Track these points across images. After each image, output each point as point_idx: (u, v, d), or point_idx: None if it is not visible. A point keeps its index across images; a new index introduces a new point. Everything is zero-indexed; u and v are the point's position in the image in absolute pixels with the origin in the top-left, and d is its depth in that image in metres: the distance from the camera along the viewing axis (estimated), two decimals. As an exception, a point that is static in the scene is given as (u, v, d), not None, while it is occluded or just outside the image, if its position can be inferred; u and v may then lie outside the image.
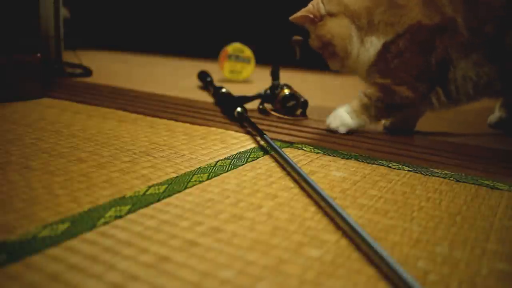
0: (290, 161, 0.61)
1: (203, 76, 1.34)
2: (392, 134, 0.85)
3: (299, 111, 0.99)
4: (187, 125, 0.87)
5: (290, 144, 0.77)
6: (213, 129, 0.85)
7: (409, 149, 0.76)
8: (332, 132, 0.83)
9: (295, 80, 1.22)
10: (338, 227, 0.46)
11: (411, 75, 0.79)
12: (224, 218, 0.47)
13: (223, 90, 1.05)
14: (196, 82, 1.40)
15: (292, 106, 0.98)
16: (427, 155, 0.73)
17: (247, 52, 1.49)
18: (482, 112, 1.01)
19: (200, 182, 0.57)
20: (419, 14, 0.78)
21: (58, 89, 1.17)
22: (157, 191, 0.53)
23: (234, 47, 1.48)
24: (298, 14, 0.84)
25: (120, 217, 0.46)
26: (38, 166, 0.60)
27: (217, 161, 0.65)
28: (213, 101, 1.09)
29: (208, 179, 0.58)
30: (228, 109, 0.93)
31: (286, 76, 1.20)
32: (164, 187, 0.54)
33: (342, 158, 0.70)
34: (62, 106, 0.98)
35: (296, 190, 0.56)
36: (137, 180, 0.56)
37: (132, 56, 2.26)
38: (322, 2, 0.83)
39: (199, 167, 0.62)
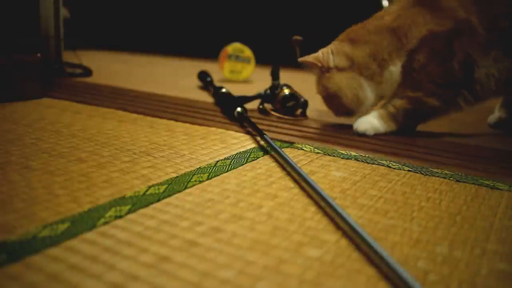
0: (290, 161, 0.61)
1: (203, 76, 1.34)
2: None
3: (299, 111, 0.99)
4: (187, 125, 0.87)
5: (290, 144, 0.77)
6: (213, 129, 0.85)
7: (409, 149, 0.76)
8: (358, 135, 0.84)
9: (295, 80, 1.22)
10: (338, 227, 0.46)
11: (437, 84, 0.80)
12: (224, 218, 0.47)
13: (223, 90, 1.05)
14: (196, 82, 1.40)
15: (292, 106, 0.98)
16: (427, 155, 0.73)
17: (247, 52, 1.49)
18: (482, 112, 1.01)
19: (200, 182, 0.57)
20: (429, 24, 0.79)
21: (58, 89, 1.17)
22: (157, 191, 0.53)
23: (234, 47, 1.48)
24: (308, 58, 0.86)
25: (120, 217, 0.46)
26: (38, 166, 0.60)
27: (217, 161, 0.65)
28: (213, 101, 1.09)
29: (208, 179, 0.58)
30: (228, 109, 0.93)
31: (286, 76, 1.20)
32: (164, 187, 0.54)
33: (342, 158, 0.70)
34: (62, 106, 0.98)
35: (296, 190, 0.56)
36: (137, 180, 0.56)
37: (132, 56, 2.26)
38: (332, 54, 0.84)
39: (199, 167, 0.62)
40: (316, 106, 1.08)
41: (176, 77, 1.59)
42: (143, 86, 1.29)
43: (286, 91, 0.98)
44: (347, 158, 0.70)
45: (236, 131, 0.84)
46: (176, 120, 0.90)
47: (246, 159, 0.67)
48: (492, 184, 0.61)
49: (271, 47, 1.66)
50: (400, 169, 0.66)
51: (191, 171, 0.60)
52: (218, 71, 1.50)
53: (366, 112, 0.86)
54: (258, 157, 0.68)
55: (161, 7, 2.31)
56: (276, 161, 0.67)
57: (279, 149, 0.66)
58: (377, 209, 0.51)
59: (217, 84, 1.22)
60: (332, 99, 0.86)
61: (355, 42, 0.84)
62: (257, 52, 1.50)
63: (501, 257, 0.41)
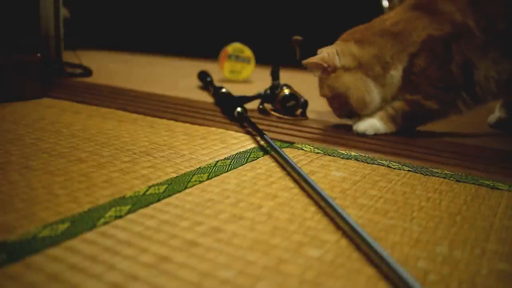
0: (290, 161, 0.61)
1: (203, 76, 1.34)
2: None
3: (299, 111, 0.99)
4: (187, 125, 0.87)
5: (290, 144, 0.77)
6: (213, 129, 0.85)
7: (409, 149, 0.76)
8: (358, 135, 0.84)
9: (295, 80, 1.22)
10: (338, 227, 0.46)
11: (436, 87, 0.81)
12: (224, 218, 0.47)
13: (223, 90, 1.05)
14: (196, 82, 1.40)
15: (292, 106, 0.98)
16: (427, 155, 0.73)
17: (247, 52, 1.49)
18: (482, 112, 1.01)
19: (200, 182, 0.57)
20: (428, 28, 0.80)
21: (58, 89, 1.17)
22: (157, 191, 0.53)
23: (234, 47, 1.48)
24: (312, 60, 0.84)
25: (120, 217, 0.46)
26: (38, 166, 0.60)
27: (217, 161, 0.65)
28: (213, 101, 1.09)
29: (208, 179, 0.58)
30: (228, 109, 0.93)
31: (286, 76, 1.20)
32: (164, 187, 0.54)
33: (342, 158, 0.70)
34: (62, 106, 0.98)
35: (296, 190, 0.56)
36: (137, 180, 0.56)
37: (132, 56, 2.26)
38: (338, 54, 0.83)
39: (199, 167, 0.62)
40: (316, 106, 1.08)
41: (176, 77, 1.59)
42: (143, 86, 1.29)
43: (286, 91, 0.98)
44: (347, 158, 0.70)
45: (236, 131, 0.84)
46: (176, 120, 0.90)
47: (246, 159, 0.67)
48: (492, 184, 0.61)
49: (271, 47, 1.66)
50: (400, 169, 0.66)
51: (191, 171, 0.60)
52: (218, 71, 1.50)
53: (370, 114, 0.85)
54: (258, 157, 0.68)
55: (161, 7, 2.31)
56: (276, 161, 0.67)
57: (279, 149, 0.66)
58: (377, 209, 0.51)
59: (217, 84, 1.22)
60: (338, 100, 0.85)
61: (361, 43, 0.83)
62: (257, 52, 1.50)
63: (501, 257, 0.41)
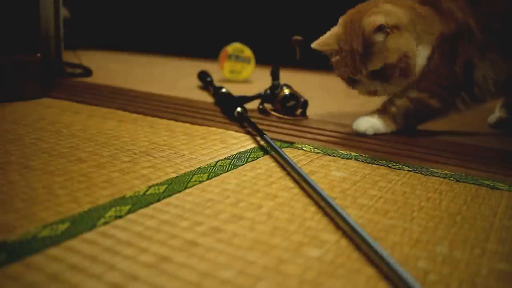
0: (290, 161, 0.61)
1: (203, 76, 1.34)
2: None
3: (299, 111, 0.99)
4: (187, 125, 0.87)
5: (290, 144, 0.77)
6: (213, 129, 0.85)
7: (409, 149, 0.76)
8: (358, 135, 0.83)
9: (295, 80, 1.22)
10: (338, 227, 0.46)
11: (441, 86, 0.80)
12: (224, 218, 0.47)
13: (223, 90, 1.05)
14: (196, 82, 1.40)
15: (292, 106, 0.98)
16: (427, 155, 0.73)
17: (247, 52, 1.49)
18: (482, 112, 1.01)
19: (200, 182, 0.57)
20: (439, 25, 0.79)
21: (58, 89, 1.17)
22: (157, 191, 0.53)
23: (234, 47, 1.48)
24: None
25: (120, 217, 0.46)
26: (38, 166, 0.60)
27: (217, 161, 0.65)
28: (213, 101, 1.09)
29: (208, 179, 0.58)
30: (228, 109, 0.93)
31: (286, 76, 1.20)
32: (164, 187, 0.54)
33: (342, 158, 0.70)
34: (62, 106, 0.98)
35: (296, 190, 0.56)
36: (137, 180, 0.56)
37: (132, 56, 2.26)
38: (386, 14, 0.76)
39: (199, 167, 0.62)
40: (316, 106, 1.08)
41: (176, 77, 1.59)
42: (143, 86, 1.29)
43: (286, 91, 0.98)
44: (347, 158, 0.70)
45: (236, 131, 0.84)
46: (176, 120, 0.90)
47: (246, 159, 0.67)
48: (492, 184, 0.61)
49: (271, 47, 1.66)
50: (400, 169, 0.66)
51: (191, 171, 0.60)
52: (218, 71, 1.50)
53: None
54: (258, 157, 0.68)
55: (161, 7, 2.31)
56: (276, 161, 0.67)
57: (279, 149, 0.66)
58: (377, 209, 0.51)
59: (217, 84, 1.22)
60: (399, 65, 0.76)
61: (394, 4, 0.78)
62: (257, 52, 1.50)
63: (501, 257, 0.41)
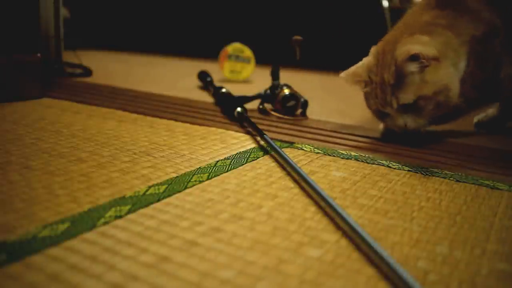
0: (290, 161, 0.61)
1: (203, 76, 1.34)
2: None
3: (299, 111, 0.99)
4: (187, 125, 0.87)
5: (290, 144, 0.77)
6: (213, 129, 0.85)
7: (409, 149, 0.76)
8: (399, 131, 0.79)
9: (295, 80, 1.22)
10: (338, 227, 0.46)
11: (474, 87, 0.78)
12: (224, 218, 0.47)
13: (223, 90, 1.05)
14: (196, 82, 1.40)
15: (292, 106, 0.98)
16: (427, 155, 0.73)
17: (247, 52, 1.49)
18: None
19: (200, 182, 0.57)
20: (468, 28, 0.77)
21: (58, 89, 1.17)
22: (157, 191, 0.53)
23: (234, 47, 1.48)
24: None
25: (120, 217, 0.46)
26: (38, 166, 0.60)
27: (217, 161, 0.65)
28: (213, 101, 1.09)
29: (208, 179, 0.58)
30: (228, 109, 0.93)
31: (286, 76, 1.20)
32: (164, 187, 0.54)
33: (342, 158, 0.70)
34: (62, 106, 0.98)
35: (296, 190, 0.56)
36: (137, 180, 0.56)
37: (132, 56, 2.26)
38: (422, 45, 0.72)
39: (199, 167, 0.62)
40: (316, 106, 1.08)
41: (176, 77, 1.59)
42: (143, 86, 1.29)
43: (286, 91, 0.98)
44: (347, 158, 0.70)
45: (236, 131, 0.84)
46: (176, 120, 0.90)
47: (246, 159, 0.67)
48: (492, 184, 0.61)
49: (271, 47, 1.66)
50: (400, 169, 0.66)
51: (191, 171, 0.60)
52: (218, 71, 1.50)
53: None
54: (258, 157, 0.68)
55: (161, 7, 2.31)
56: (276, 161, 0.67)
57: (279, 149, 0.66)
58: (377, 209, 0.51)
59: (217, 84, 1.22)
60: (436, 98, 0.73)
61: (425, 33, 0.75)
62: (257, 52, 1.50)
63: (501, 257, 0.41)
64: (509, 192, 0.58)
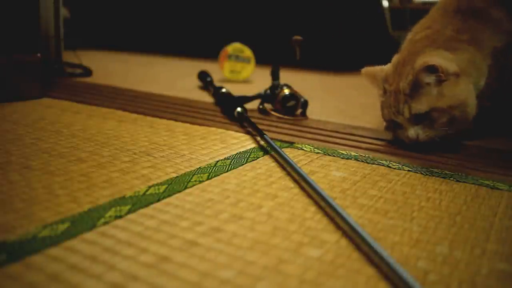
0: (290, 161, 0.61)
1: (203, 76, 1.34)
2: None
3: (299, 111, 0.99)
4: (187, 125, 0.87)
5: (290, 144, 0.77)
6: (213, 129, 0.85)
7: (409, 149, 0.76)
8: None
9: (295, 80, 1.22)
10: (338, 227, 0.46)
11: (489, 99, 0.79)
12: (224, 218, 0.47)
13: (223, 90, 1.05)
14: (196, 82, 1.40)
15: (292, 106, 0.98)
16: (427, 155, 0.73)
17: (247, 52, 1.49)
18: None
19: (200, 182, 0.57)
20: (491, 39, 0.77)
21: (58, 89, 1.17)
22: (157, 191, 0.53)
23: (234, 47, 1.48)
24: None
25: (120, 217, 0.46)
26: (38, 166, 0.60)
27: (217, 161, 0.65)
28: (213, 101, 1.09)
29: (208, 179, 0.58)
30: (228, 109, 0.93)
31: (286, 76, 1.20)
32: (164, 187, 0.54)
33: (342, 158, 0.70)
34: (62, 106, 0.98)
35: (296, 190, 0.56)
36: (137, 180, 0.56)
37: (132, 56, 2.26)
38: (444, 60, 0.72)
39: (199, 167, 0.62)
40: (316, 106, 1.08)
41: (176, 77, 1.59)
42: (143, 86, 1.29)
43: (286, 91, 0.98)
44: (347, 158, 0.70)
45: (236, 131, 0.84)
46: (176, 120, 0.90)
47: (246, 159, 0.67)
48: (492, 184, 0.61)
49: (271, 47, 1.66)
50: (400, 169, 0.66)
51: (191, 171, 0.60)
52: (218, 71, 1.50)
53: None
54: (258, 157, 0.68)
55: (161, 7, 2.32)
56: (276, 161, 0.67)
57: (279, 149, 0.66)
58: (377, 209, 0.51)
59: (217, 84, 1.22)
60: (451, 112, 0.72)
61: (449, 49, 0.75)
62: (257, 52, 1.50)
63: (501, 257, 0.41)
64: (509, 192, 0.58)
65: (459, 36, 0.76)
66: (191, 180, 0.57)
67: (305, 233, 0.44)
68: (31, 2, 1.21)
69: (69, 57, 1.47)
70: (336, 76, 1.76)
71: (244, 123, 0.87)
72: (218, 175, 0.60)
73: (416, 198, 0.55)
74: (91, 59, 1.75)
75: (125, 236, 0.42)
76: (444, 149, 0.76)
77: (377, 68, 0.80)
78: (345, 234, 0.44)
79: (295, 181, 0.58)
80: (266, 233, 0.44)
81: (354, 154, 0.72)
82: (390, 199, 0.54)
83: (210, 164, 0.64)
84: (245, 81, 1.51)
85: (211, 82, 1.27)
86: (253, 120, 0.86)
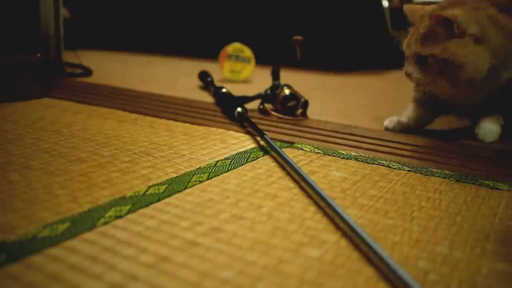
0: (290, 161, 0.61)
1: (204, 76, 1.34)
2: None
3: (299, 111, 0.99)
4: (187, 125, 0.87)
5: (290, 144, 0.77)
6: (213, 129, 0.85)
7: (409, 149, 0.76)
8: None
9: (295, 80, 1.22)
10: (338, 227, 0.46)
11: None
12: (224, 218, 0.47)
13: (224, 90, 1.05)
14: (196, 82, 1.40)
15: (292, 106, 0.98)
16: (427, 155, 0.73)
17: (247, 52, 1.49)
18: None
19: (200, 182, 0.57)
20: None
21: (58, 89, 1.17)
22: (157, 191, 0.53)
23: (234, 47, 1.48)
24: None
25: (120, 217, 0.46)
26: (38, 166, 0.60)
27: (217, 161, 0.65)
28: (214, 101, 1.09)
29: (208, 179, 0.58)
30: (228, 109, 0.93)
31: (286, 76, 1.20)
32: (164, 187, 0.54)
33: (342, 158, 0.70)
34: (62, 106, 0.98)
35: (296, 190, 0.56)
36: (137, 180, 0.56)
37: (132, 56, 2.26)
38: (466, 19, 0.72)
39: (199, 167, 0.62)
40: (316, 106, 1.08)
41: (176, 77, 1.59)
42: (143, 86, 1.29)
43: (287, 91, 0.98)
44: (347, 158, 0.70)
45: (236, 131, 0.84)
46: (176, 120, 0.90)
47: (246, 159, 0.67)
48: (492, 184, 0.61)
49: (271, 47, 1.66)
50: (400, 169, 0.66)
51: (191, 171, 0.60)
52: (218, 71, 1.50)
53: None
54: (258, 157, 0.68)
55: (161, 7, 2.32)
56: (276, 161, 0.67)
57: (279, 149, 0.66)
58: (377, 209, 0.51)
59: (217, 84, 1.22)
60: (444, 66, 0.74)
61: (493, 21, 0.74)
62: (257, 52, 1.50)
63: (501, 257, 0.41)
64: (509, 192, 0.58)
65: (499, 17, 0.76)
66: (191, 180, 0.57)
67: (305, 233, 0.44)
68: (31, 2, 1.21)
69: (69, 57, 1.47)
70: (336, 76, 1.75)
71: (244, 123, 0.87)
72: (218, 175, 0.60)
73: (416, 198, 0.55)
74: (91, 59, 1.75)
75: (125, 236, 0.42)
76: (444, 148, 0.76)
77: (419, 6, 0.83)
78: (345, 234, 0.44)
79: (295, 181, 0.58)
80: (266, 233, 0.44)
81: (354, 154, 0.72)
82: (390, 199, 0.54)
83: (210, 164, 0.64)
84: (245, 81, 1.51)
85: (212, 82, 1.27)
86: (253, 120, 0.86)
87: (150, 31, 2.38)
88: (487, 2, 0.77)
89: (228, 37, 1.58)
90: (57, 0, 1.36)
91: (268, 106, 1.02)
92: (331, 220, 0.47)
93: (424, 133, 0.87)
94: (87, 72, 1.45)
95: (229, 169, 0.62)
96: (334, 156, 0.71)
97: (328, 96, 1.33)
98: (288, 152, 0.71)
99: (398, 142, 0.80)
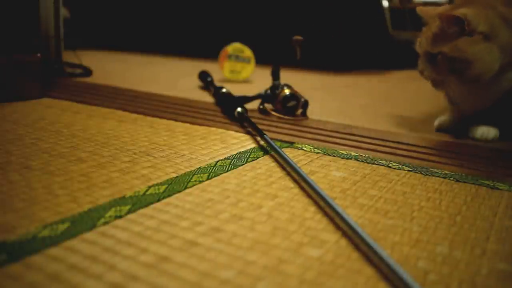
0: (290, 161, 0.61)
1: (204, 76, 1.34)
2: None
3: (299, 111, 0.99)
4: (187, 125, 0.87)
5: (290, 144, 0.77)
6: (213, 129, 0.85)
7: (409, 149, 0.76)
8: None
9: (295, 80, 1.22)
10: (338, 227, 0.46)
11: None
12: (224, 218, 0.47)
13: (224, 90, 1.05)
14: (196, 82, 1.40)
15: (292, 106, 0.98)
16: (427, 155, 0.73)
17: (247, 52, 1.49)
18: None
19: (200, 182, 0.57)
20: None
21: (58, 89, 1.17)
22: (157, 191, 0.53)
23: (234, 47, 1.48)
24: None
25: (120, 217, 0.46)
26: (38, 166, 0.60)
27: (217, 161, 0.65)
28: (214, 101, 1.09)
29: (208, 179, 0.58)
30: (228, 109, 0.93)
31: (286, 76, 1.20)
32: (164, 187, 0.54)
33: (342, 158, 0.70)
34: (62, 106, 0.98)
35: (296, 190, 0.56)
36: (137, 180, 0.56)
37: (132, 56, 2.26)
38: (475, 18, 0.73)
39: (199, 167, 0.62)
40: (316, 106, 1.08)
41: (176, 77, 1.59)
42: (143, 86, 1.29)
43: (287, 91, 0.98)
44: (347, 158, 0.70)
45: (236, 131, 0.84)
46: (176, 120, 0.90)
47: (246, 159, 0.67)
48: (492, 184, 0.61)
49: (271, 47, 1.66)
50: (400, 169, 0.66)
51: (191, 171, 0.60)
52: (218, 71, 1.50)
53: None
54: (258, 157, 0.68)
55: (161, 7, 2.32)
56: (276, 161, 0.67)
57: (279, 149, 0.66)
58: (377, 209, 0.51)
59: (217, 84, 1.22)
60: (453, 63, 0.75)
61: (504, 19, 0.74)
62: (257, 52, 1.50)
63: (501, 257, 0.41)
64: (509, 192, 0.58)
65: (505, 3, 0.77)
66: (191, 180, 0.57)
67: (305, 233, 0.44)
68: (31, 2, 1.21)
69: (69, 57, 1.47)
70: (336, 76, 1.75)
71: (244, 123, 0.87)
72: (218, 175, 0.60)
73: (416, 198, 0.55)
74: (91, 59, 1.75)
75: (125, 236, 0.42)
76: (444, 148, 0.76)
77: (432, 7, 0.85)
78: (345, 234, 0.44)
79: (295, 181, 0.58)
80: (266, 233, 0.44)
81: (354, 154, 0.72)
82: (390, 199, 0.54)
83: (210, 164, 0.64)
84: (245, 81, 1.51)
85: (212, 82, 1.27)
86: (253, 120, 0.86)
87: (150, 31, 2.38)
88: (500, 1, 0.78)
89: (228, 37, 1.58)
90: (57, 0, 1.36)
91: (268, 106, 1.02)
92: (331, 220, 0.47)
93: (424, 133, 0.87)
94: (87, 72, 1.45)
95: (229, 169, 0.62)
96: (334, 156, 0.71)
97: (328, 96, 1.33)
98: (288, 152, 0.71)
99: (398, 142, 0.80)
